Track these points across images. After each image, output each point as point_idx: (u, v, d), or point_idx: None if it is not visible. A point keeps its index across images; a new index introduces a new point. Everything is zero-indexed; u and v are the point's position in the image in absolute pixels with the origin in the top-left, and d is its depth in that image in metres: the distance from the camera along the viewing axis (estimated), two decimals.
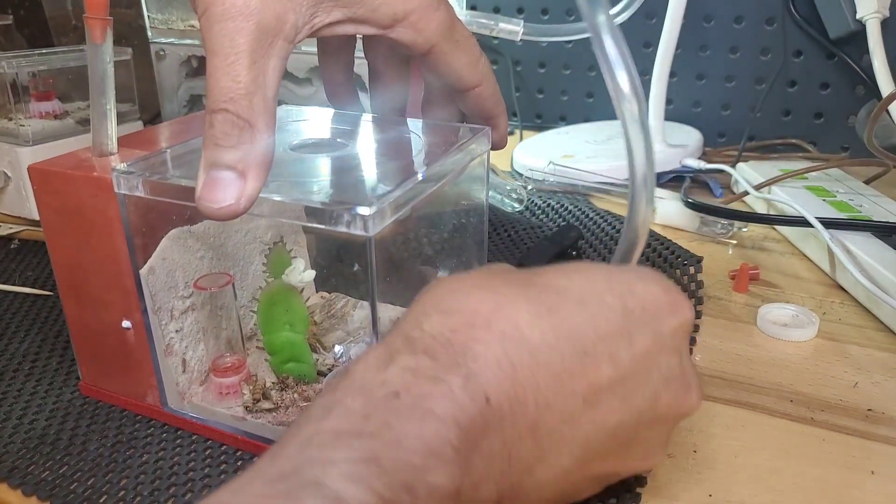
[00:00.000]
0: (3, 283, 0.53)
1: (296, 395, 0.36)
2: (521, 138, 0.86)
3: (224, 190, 0.27)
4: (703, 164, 0.71)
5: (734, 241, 0.60)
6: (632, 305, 0.27)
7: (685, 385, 0.28)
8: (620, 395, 0.26)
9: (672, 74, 0.72)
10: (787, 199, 0.57)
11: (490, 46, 0.93)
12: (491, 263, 0.30)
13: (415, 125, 0.40)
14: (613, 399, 0.26)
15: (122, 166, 0.32)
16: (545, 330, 0.25)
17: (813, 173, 0.65)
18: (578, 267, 0.28)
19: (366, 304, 0.44)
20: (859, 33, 0.71)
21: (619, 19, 0.49)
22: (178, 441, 0.36)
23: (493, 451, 0.24)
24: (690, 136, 0.78)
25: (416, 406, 0.23)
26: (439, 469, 0.22)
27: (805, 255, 0.57)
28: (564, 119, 0.94)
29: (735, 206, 0.63)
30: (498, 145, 0.40)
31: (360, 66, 0.49)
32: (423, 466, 0.21)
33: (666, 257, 0.53)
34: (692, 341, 0.44)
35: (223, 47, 0.27)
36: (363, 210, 0.27)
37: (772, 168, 0.66)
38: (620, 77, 0.28)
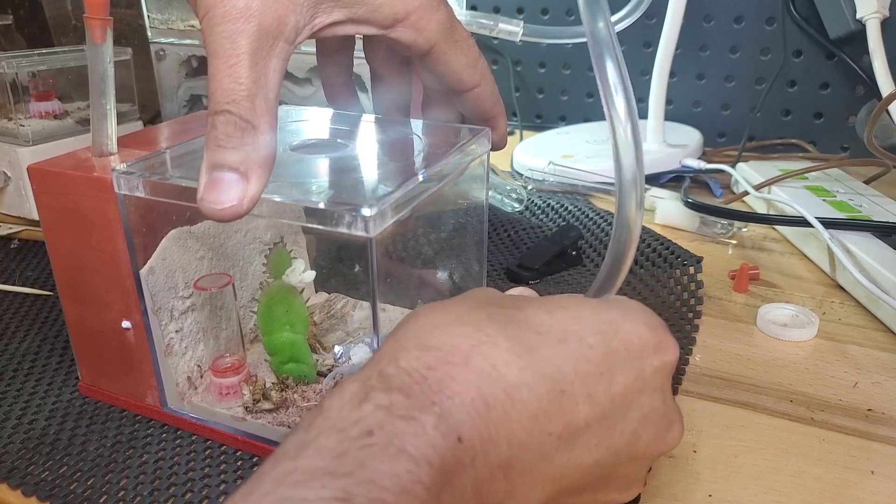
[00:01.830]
0: (3, 283, 0.53)
1: (296, 396, 0.36)
2: (521, 138, 0.86)
3: (226, 191, 0.27)
4: (703, 164, 0.71)
5: (734, 241, 0.60)
6: (615, 345, 0.27)
7: (666, 423, 0.28)
8: (598, 434, 0.26)
9: (672, 74, 0.72)
10: (787, 199, 0.57)
11: (490, 46, 0.93)
12: (476, 289, 0.30)
13: (415, 126, 0.40)
14: (591, 438, 0.26)
15: (122, 166, 0.32)
16: (523, 368, 0.25)
17: (813, 173, 0.65)
18: (564, 303, 0.28)
19: (365, 304, 0.44)
20: (859, 33, 0.71)
21: (623, 25, 0.49)
22: (177, 441, 0.36)
23: (464, 488, 0.24)
24: (690, 136, 0.78)
25: (389, 444, 0.22)
26: None
27: (805, 255, 0.57)
28: (564, 119, 0.94)
29: (735, 206, 0.64)
30: (497, 146, 0.40)
31: (361, 67, 0.49)
32: None
33: (666, 257, 0.53)
34: (692, 342, 0.44)
35: (225, 49, 0.27)
36: (365, 211, 0.27)
37: (772, 168, 0.66)
38: (618, 102, 0.28)
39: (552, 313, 0.27)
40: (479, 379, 0.25)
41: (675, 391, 0.39)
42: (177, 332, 0.37)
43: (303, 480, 0.21)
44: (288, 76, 0.59)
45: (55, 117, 0.62)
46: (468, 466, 0.24)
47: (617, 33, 0.50)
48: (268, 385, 0.37)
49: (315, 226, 0.28)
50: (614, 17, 0.46)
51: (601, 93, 0.31)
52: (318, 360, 0.38)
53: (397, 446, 0.22)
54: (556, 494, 0.26)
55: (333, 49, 0.39)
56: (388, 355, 0.26)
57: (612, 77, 0.30)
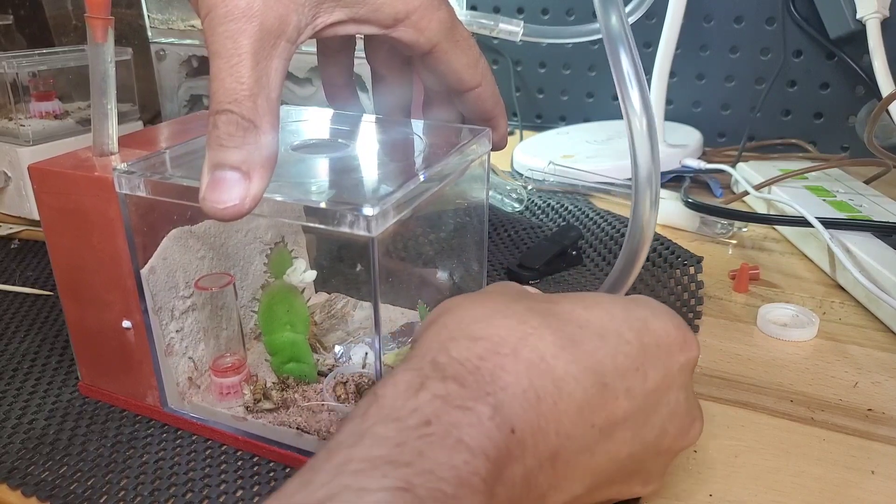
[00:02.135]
0: (3, 283, 0.52)
1: (296, 396, 0.36)
2: (521, 138, 0.86)
3: (228, 190, 0.27)
4: (703, 164, 0.71)
5: (734, 241, 0.60)
6: (647, 341, 0.28)
7: (690, 418, 0.29)
8: (633, 427, 0.27)
9: (672, 74, 0.72)
10: (787, 199, 0.57)
11: (490, 46, 0.93)
12: (499, 284, 0.31)
13: (416, 126, 0.40)
14: (626, 431, 0.27)
15: (122, 166, 0.32)
16: (569, 361, 0.26)
17: (813, 173, 0.65)
18: (596, 299, 0.29)
19: (366, 304, 0.44)
20: (859, 33, 0.71)
21: (630, 20, 0.49)
22: (178, 441, 0.36)
23: (514, 479, 0.24)
24: (690, 136, 0.78)
25: (447, 434, 0.23)
26: (469, 498, 0.22)
27: (805, 255, 0.57)
28: (564, 119, 0.94)
29: (735, 206, 0.64)
30: (498, 146, 0.40)
31: (362, 67, 0.49)
32: (454, 496, 0.22)
33: (666, 257, 0.53)
34: None
35: (226, 49, 0.27)
36: (366, 210, 0.27)
37: (772, 168, 0.66)
38: (633, 95, 0.29)
39: (588, 309, 0.28)
40: (529, 370, 0.25)
41: None
42: (177, 331, 0.37)
43: (362, 469, 0.22)
44: (288, 76, 0.59)
45: (55, 117, 0.62)
46: (519, 458, 0.24)
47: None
48: (268, 385, 0.37)
49: (316, 225, 0.28)
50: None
51: (617, 87, 0.32)
52: (318, 360, 0.38)
53: (455, 437, 0.23)
54: (592, 487, 0.27)
55: (334, 49, 0.39)
56: (435, 346, 0.26)
57: (627, 68, 0.31)
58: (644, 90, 0.32)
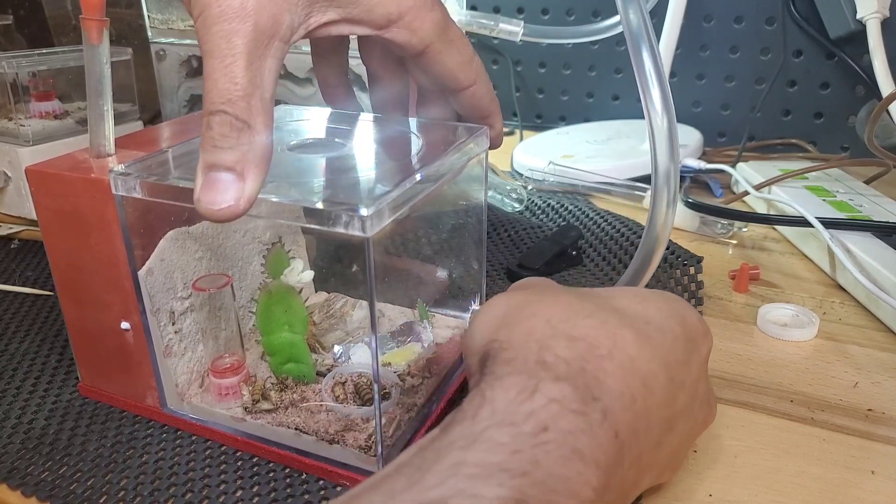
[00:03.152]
0: (3, 283, 0.53)
1: (295, 396, 0.36)
2: (521, 138, 0.86)
3: (223, 191, 0.27)
4: (703, 164, 0.71)
5: (734, 241, 0.60)
6: (687, 335, 0.28)
7: (709, 405, 0.31)
8: (684, 418, 0.28)
9: (672, 74, 0.72)
10: (787, 199, 0.57)
11: (490, 46, 0.93)
12: (533, 279, 0.32)
13: (413, 125, 0.40)
14: (681, 422, 0.28)
15: (119, 168, 0.32)
16: (649, 359, 0.26)
17: (813, 173, 0.65)
18: (641, 294, 0.29)
19: (364, 303, 0.44)
20: (859, 33, 0.71)
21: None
22: (177, 442, 0.36)
23: (616, 485, 0.24)
24: (690, 136, 0.78)
25: (563, 443, 0.23)
26: None
27: (805, 255, 0.57)
28: (564, 119, 0.94)
29: (735, 206, 0.63)
30: (494, 144, 0.40)
31: (362, 67, 0.48)
32: None
33: (666, 257, 0.53)
34: None
35: (220, 49, 0.27)
36: (362, 211, 0.27)
37: (772, 168, 0.66)
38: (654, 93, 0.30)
39: (642, 304, 0.28)
40: (623, 371, 0.25)
41: None
42: (176, 332, 0.37)
43: (476, 475, 0.22)
44: (288, 76, 0.59)
45: (55, 117, 0.62)
46: (620, 463, 0.24)
47: (617, 33, 0.50)
48: (267, 385, 0.37)
49: (313, 226, 0.28)
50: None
51: (639, 86, 0.33)
52: (317, 360, 0.38)
53: (571, 446, 0.23)
54: (652, 479, 0.28)
55: (328, 50, 0.40)
56: (534, 345, 0.26)
57: (649, 65, 0.33)
58: (666, 90, 0.33)
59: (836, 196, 0.59)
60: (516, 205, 0.66)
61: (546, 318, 0.27)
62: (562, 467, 0.22)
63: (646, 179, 0.70)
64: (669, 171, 0.35)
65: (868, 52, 0.69)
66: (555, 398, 0.24)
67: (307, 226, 0.28)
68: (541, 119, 0.95)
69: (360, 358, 0.38)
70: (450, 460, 0.22)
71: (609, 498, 0.24)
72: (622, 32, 0.38)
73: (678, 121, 0.85)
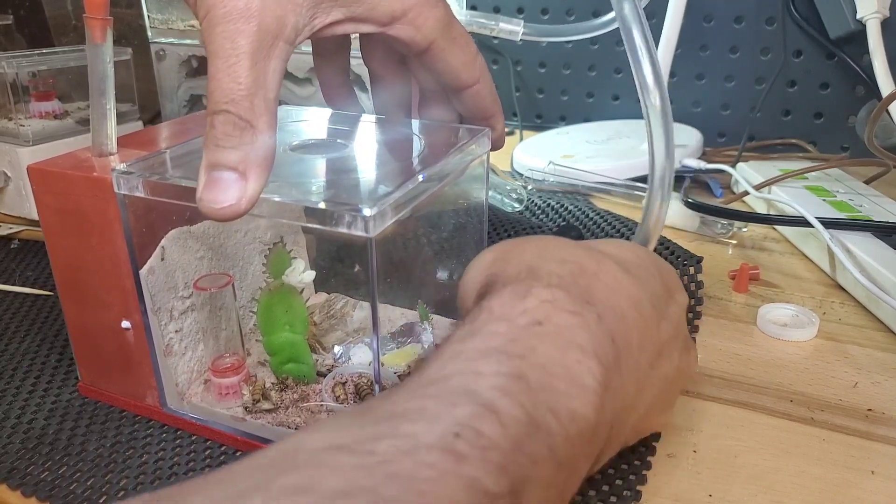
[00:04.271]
0: (3, 283, 0.53)
1: (295, 396, 0.36)
2: (521, 138, 0.86)
3: (225, 191, 0.27)
4: (703, 164, 0.71)
5: (734, 241, 0.60)
6: (664, 279, 0.30)
7: (690, 350, 0.32)
8: (668, 352, 0.29)
9: (672, 74, 0.72)
10: (787, 199, 0.57)
11: (490, 46, 0.93)
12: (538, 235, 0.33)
13: (415, 126, 0.40)
14: (665, 356, 0.29)
15: (121, 166, 0.32)
16: (632, 285, 0.27)
17: (813, 173, 0.65)
18: (618, 243, 0.31)
19: (365, 304, 0.44)
20: (859, 33, 0.71)
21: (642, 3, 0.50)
22: (177, 441, 0.36)
23: (615, 390, 0.25)
24: (690, 136, 0.78)
25: (559, 334, 0.23)
26: (582, 398, 0.23)
27: (805, 255, 0.57)
28: (564, 119, 0.94)
29: (735, 206, 0.63)
30: (496, 145, 0.40)
31: (362, 67, 0.48)
32: (566, 392, 0.22)
33: (666, 257, 0.53)
34: (692, 342, 0.44)
35: (224, 49, 0.28)
36: (365, 211, 0.27)
37: (772, 168, 0.66)
38: (646, 70, 0.32)
39: (619, 249, 0.30)
40: (610, 289, 0.26)
41: None
42: (176, 332, 0.37)
43: (475, 357, 0.22)
44: (288, 76, 0.59)
45: (55, 117, 0.62)
46: (617, 370, 0.25)
47: (614, 28, 0.50)
48: (267, 385, 0.37)
49: (315, 226, 0.28)
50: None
51: (636, 80, 0.35)
52: (317, 361, 0.38)
53: (567, 338, 0.24)
54: (645, 412, 0.29)
55: (330, 51, 0.40)
56: (524, 266, 0.27)
57: (639, 43, 0.36)
58: (661, 84, 0.36)
59: (836, 196, 0.59)
60: (516, 205, 0.66)
61: (537, 250, 0.28)
62: (559, 353, 0.23)
63: (646, 179, 0.70)
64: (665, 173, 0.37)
65: (868, 52, 0.69)
66: (547, 299, 0.24)
67: (310, 226, 0.28)
68: (541, 119, 0.95)
69: (360, 358, 0.38)
70: (451, 350, 0.23)
71: (610, 403, 0.24)
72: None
73: (678, 121, 0.86)
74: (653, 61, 0.36)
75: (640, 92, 0.36)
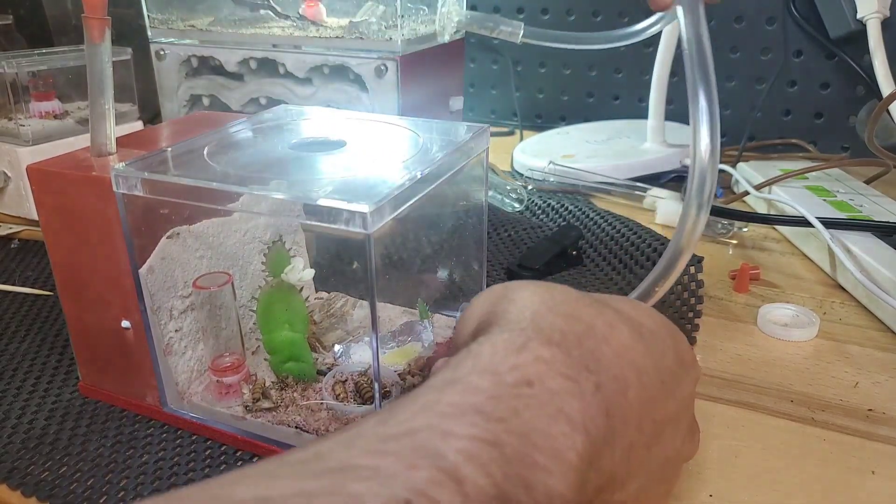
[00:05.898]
0: (3, 283, 0.53)
1: (295, 395, 0.36)
2: (521, 138, 0.86)
3: None
4: None
5: (734, 241, 0.59)
6: (678, 355, 0.27)
7: (693, 430, 0.29)
8: (671, 431, 0.26)
9: (672, 74, 0.72)
10: (788, 199, 0.57)
11: (490, 46, 0.93)
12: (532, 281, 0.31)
13: (414, 124, 0.40)
14: (670, 433, 0.26)
15: (120, 166, 0.32)
16: (643, 354, 0.25)
17: (813, 173, 0.65)
18: (634, 304, 0.28)
19: (365, 303, 0.44)
20: (859, 33, 0.71)
21: (652, 31, 0.49)
22: (178, 441, 0.36)
23: (604, 468, 0.23)
24: (691, 136, 0.78)
25: (548, 402, 0.21)
26: (562, 475, 0.20)
27: (805, 255, 0.57)
28: (564, 119, 0.94)
29: (735, 206, 0.63)
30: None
31: (361, 66, 0.49)
32: (544, 467, 0.20)
33: None
34: (692, 342, 0.44)
35: None
36: (362, 207, 0.27)
37: (772, 168, 0.66)
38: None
39: (636, 310, 0.27)
40: (618, 357, 0.24)
41: None
42: (176, 331, 0.37)
43: (449, 413, 0.20)
44: (288, 76, 0.59)
45: (55, 117, 0.62)
46: (611, 445, 0.23)
47: (615, 35, 0.50)
48: (267, 384, 0.36)
49: (313, 223, 0.28)
50: (642, 25, 0.47)
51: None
52: (317, 359, 0.38)
53: (556, 405, 0.21)
54: (643, 489, 0.26)
55: None
56: (528, 314, 0.24)
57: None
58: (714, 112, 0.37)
59: (836, 196, 0.59)
60: (516, 205, 0.66)
61: (544, 298, 0.26)
62: (545, 424, 0.21)
63: (646, 179, 0.70)
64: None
65: (868, 52, 0.69)
66: (543, 358, 0.22)
67: (308, 223, 0.28)
68: (541, 119, 0.95)
69: (360, 357, 0.38)
70: (423, 400, 0.21)
71: (594, 480, 0.22)
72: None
73: (678, 120, 0.85)
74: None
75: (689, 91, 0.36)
